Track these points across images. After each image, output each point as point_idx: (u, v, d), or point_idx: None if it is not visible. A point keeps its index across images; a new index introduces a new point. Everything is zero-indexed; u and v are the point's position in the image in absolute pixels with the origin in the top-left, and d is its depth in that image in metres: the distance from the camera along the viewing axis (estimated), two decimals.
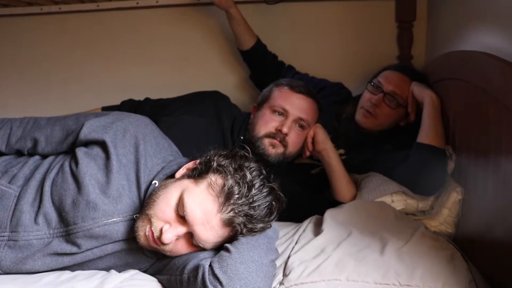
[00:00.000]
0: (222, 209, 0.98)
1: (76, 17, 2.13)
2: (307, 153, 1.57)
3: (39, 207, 1.06)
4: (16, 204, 1.06)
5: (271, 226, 1.08)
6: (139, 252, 1.08)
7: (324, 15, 2.08)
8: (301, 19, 2.08)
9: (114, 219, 1.05)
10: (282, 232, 1.30)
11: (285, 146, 1.52)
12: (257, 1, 2.01)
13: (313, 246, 1.17)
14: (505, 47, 1.24)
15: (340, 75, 1.97)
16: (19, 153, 1.22)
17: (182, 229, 1.00)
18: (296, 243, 1.22)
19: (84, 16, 2.13)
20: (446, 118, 1.54)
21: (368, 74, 1.84)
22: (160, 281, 1.06)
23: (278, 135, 1.51)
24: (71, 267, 1.07)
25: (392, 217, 1.35)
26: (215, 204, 0.98)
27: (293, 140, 1.53)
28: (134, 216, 1.06)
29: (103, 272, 1.05)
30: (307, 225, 1.33)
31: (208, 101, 1.69)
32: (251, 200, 0.99)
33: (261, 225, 1.02)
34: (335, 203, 1.51)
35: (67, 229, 1.05)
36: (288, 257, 1.15)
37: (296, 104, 1.53)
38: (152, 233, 1.00)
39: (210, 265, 0.97)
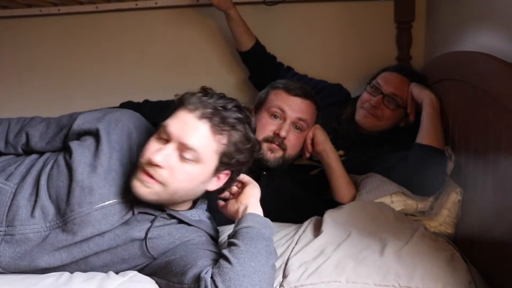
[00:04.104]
0: (195, 112, 1.04)
1: (75, 18, 2.13)
2: (307, 155, 1.57)
3: (35, 201, 1.08)
4: (12, 200, 1.08)
5: (250, 121, 1.10)
6: (134, 245, 1.08)
7: (323, 16, 2.08)
8: (299, 20, 2.08)
9: (110, 202, 1.08)
10: (282, 233, 1.30)
11: (284, 149, 1.51)
12: (255, 2, 2.01)
13: (312, 247, 1.17)
14: (504, 47, 1.24)
15: (339, 76, 1.97)
16: (17, 154, 1.23)
17: (169, 147, 1.03)
18: (296, 244, 1.22)
19: (83, 18, 2.13)
20: (445, 118, 1.54)
21: (367, 75, 1.84)
22: (158, 284, 1.05)
23: (276, 139, 1.49)
24: (70, 266, 1.07)
25: (391, 218, 1.35)
26: (188, 112, 1.05)
27: (292, 142, 1.51)
28: (132, 196, 1.07)
29: (102, 274, 1.05)
30: (307, 226, 1.33)
31: None
32: (219, 101, 1.06)
33: (235, 115, 1.06)
34: (335, 204, 1.51)
35: (64, 218, 1.06)
36: (288, 259, 1.15)
37: (293, 106, 1.51)
38: (144, 172, 1.03)
39: (212, 278, 0.96)
